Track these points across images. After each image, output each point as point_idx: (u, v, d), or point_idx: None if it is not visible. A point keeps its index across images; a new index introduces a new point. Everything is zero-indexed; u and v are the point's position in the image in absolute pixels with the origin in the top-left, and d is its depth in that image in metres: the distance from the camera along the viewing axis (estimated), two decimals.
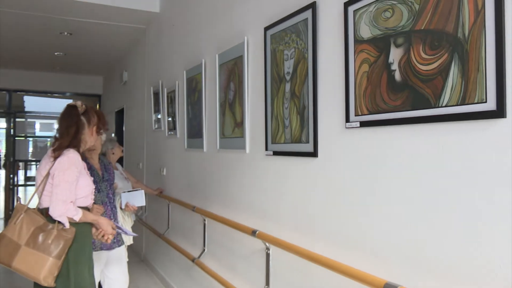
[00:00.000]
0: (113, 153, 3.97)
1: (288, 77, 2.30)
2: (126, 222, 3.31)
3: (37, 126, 13.90)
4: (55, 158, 2.31)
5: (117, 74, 7.35)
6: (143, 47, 5.62)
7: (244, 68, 2.75)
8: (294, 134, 2.25)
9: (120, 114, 7.18)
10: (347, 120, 1.87)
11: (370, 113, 1.74)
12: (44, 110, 10.40)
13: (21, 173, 14.30)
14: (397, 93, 1.61)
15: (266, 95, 2.50)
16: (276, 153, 2.42)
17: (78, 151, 2.39)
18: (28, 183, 13.01)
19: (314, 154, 2.08)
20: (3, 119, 8.94)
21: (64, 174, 2.27)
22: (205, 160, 3.46)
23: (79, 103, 2.49)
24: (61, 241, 2.21)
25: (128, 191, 3.26)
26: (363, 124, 1.78)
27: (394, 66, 1.62)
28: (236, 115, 2.89)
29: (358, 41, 1.80)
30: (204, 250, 3.39)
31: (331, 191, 1.98)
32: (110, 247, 2.95)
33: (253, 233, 2.50)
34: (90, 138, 2.53)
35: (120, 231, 2.75)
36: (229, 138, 3.01)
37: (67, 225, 2.26)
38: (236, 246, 2.88)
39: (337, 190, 1.94)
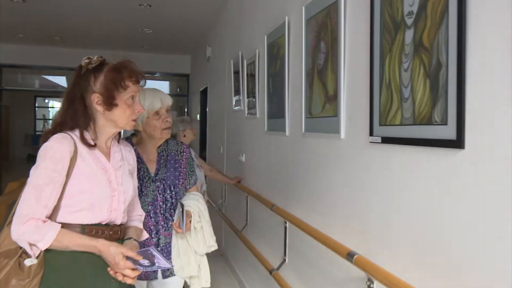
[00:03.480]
0: (185, 136, 3.46)
1: (410, 20, 1.45)
2: (197, 238, 2.06)
3: None
4: (42, 145, 1.49)
5: (202, 50, 6.87)
6: (225, 17, 4.99)
7: (340, 17, 1.93)
8: (419, 110, 1.40)
9: (204, 93, 6.71)
10: None
11: None
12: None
13: None
14: None
15: (372, 52, 1.67)
16: (386, 139, 1.59)
17: (82, 135, 1.48)
18: None
19: (457, 143, 1.22)
20: None
21: (33, 173, 1.42)
22: (287, 146, 2.70)
23: (85, 58, 1.51)
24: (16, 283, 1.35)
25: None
26: None
27: None
28: (327, 86, 2.09)
29: None
30: (284, 260, 2.67)
31: (489, 206, 1.12)
32: (147, 277, 2.01)
33: (349, 256, 1.70)
34: (121, 114, 1.51)
35: (147, 268, 1.49)
36: (317, 118, 2.22)
37: (33, 255, 1.40)
38: (325, 264, 2.11)
39: (501, 209, 1.07)
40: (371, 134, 1.68)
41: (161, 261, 1.47)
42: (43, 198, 1.39)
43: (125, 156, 1.67)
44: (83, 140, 1.49)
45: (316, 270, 2.22)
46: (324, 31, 2.11)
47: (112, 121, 1.52)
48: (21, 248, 1.40)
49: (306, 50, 2.35)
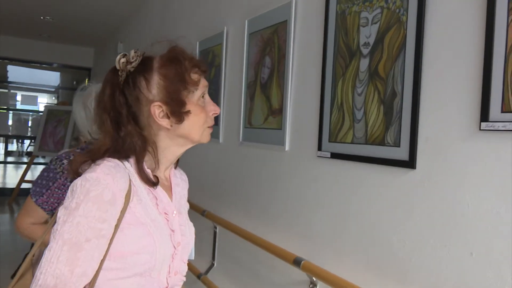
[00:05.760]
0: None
1: (366, 50, 1.60)
2: None
3: (19, 98, 12.89)
4: (73, 177, 0.99)
5: (110, 46, 6.53)
6: (145, 14, 4.84)
7: (290, 37, 2.03)
8: (371, 131, 1.56)
9: None
10: (484, 118, 1.18)
11: None
12: (28, 81, 9.50)
13: (1, 147, 13.41)
14: None
15: (324, 75, 1.80)
16: (336, 155, 1.73)
17: (141, 168, 1.00)
18: (9, 159, 12.11)
19: (410, 164, 1.40)
20: None
21: (65, 220, 0.90)
22: (222, 154, 2.74)
23: (120, 56, 1.02)
24: None
25: None
26: None
27: None
28: (271, 100, 2.18)
29: None
30: (213, 264, 2.70)
31: (438, 223, 1.30)
32: None
33: (296, 262, 1.81)
34: (195, 123, 1.05)
35: None
36: (258, 129, 2.30)
37: None
38: (267, 271, 2.19)
39: (450, 222, 1.26)
40: (319, 149, 1.81)
41: None
42: (81, 263, 0.88)
43: (183, 188, 1.21)
44: (142, 174, 1.00)
45: (256, 276, 2.29)
46: (271, 47, 2.20)
47: (181, 137, 1.04)
48: None
49: (248, 63, 2.42)
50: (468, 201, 1.22)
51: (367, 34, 1.59)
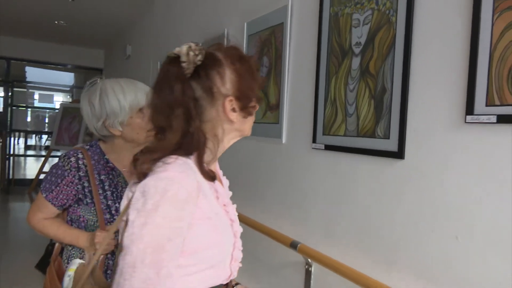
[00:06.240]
0: None
1: (357, 50, 1.57)
2: None
3: (36, 96, 12.82)
4: (139, 177, 0.88)
5: (119, 48, 6.46)
6: (150, 18, 4.78)
7: (286, 39, 2.00)
8: (363, 125, 1.53)
9: None
10: (469, 112, 1.16)
11: None
12: (45, 81, 9.42)
13: (21, 141, 13.34)
14: None
15: (318, 73, 1.77)
16: (329, 147, 1.71)
17: (201, 163, 0.90)
18: (28, 152, 12.04)
19: (398, 154, 1.38)
20: (1, 88, 8.00)
21: (145, 223, 0.80)
22: None
23: (186, 48, 0.88)
24: None
25: None
26: (504, 119, 1.08)
27: None
28: (269, 96, 2.15)
29: None
30: None
31: (426, 209, 1.28)
32: None
33: (293, 245, 1.79)
34: (252, 119, 1.00)
35: None
36: (257, 123, 2.27)
37: None
38: (265, 253, 2.18)
39: (437, 209, 1.24)
40: (314, 141, 1.79)
41: None
42: (166, 264, 0.80)
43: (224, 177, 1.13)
44: (203, 169, 0.90)
45: (257, 259, 2.28)
46: (268, 48, 2.17)
47: (238, 130, 0.97)
48: None
49: None
50: (454, 189, 1.20)
51: (359, 35, 1.56)
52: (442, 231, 1.23)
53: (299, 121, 1.92)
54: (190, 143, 0.88)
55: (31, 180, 7.35)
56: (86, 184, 1.32)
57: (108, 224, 1.31)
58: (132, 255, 0.78)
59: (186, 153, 0.88)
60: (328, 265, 1.60)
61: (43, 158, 7.45)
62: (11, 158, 7.73)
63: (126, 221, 0.83)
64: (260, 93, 1.02)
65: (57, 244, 1.39)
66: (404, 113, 1.35)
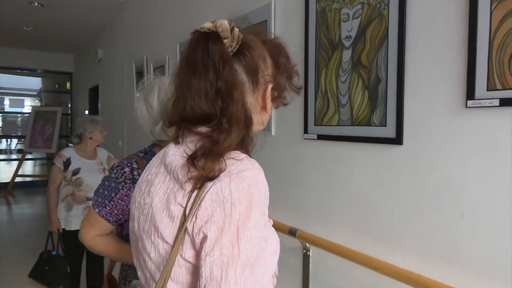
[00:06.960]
0: (91, 138, 2.57)
1: (348, 43, 1.45)
2: None
3: (6, 102, 11.68)
4: (201, 181, 0.60)
5: (90, 51, 5.98)
6: (122, 22, 4.41)
7: (270, 35, 1.84)
8: (357, 114, 1.42)
9: (94, 91, 5.87)
10: (470, 97, 1.08)
11: None
12: (15, 86, 8.58)
13: None
14: None
15: (307, 67, 1.64)
16: (322, 137, 1.59)
17: (250, 151, 0.68)
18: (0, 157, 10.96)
19: (397, 141, 1.28)
20: None
21: (239, 236, 0.57)
22: None
23: (228, 22, 0.66)
24: None
25: None
26: (507, 102, 1.01)
27: None
28: None
29: None
30: None
31: (427, 190, 1.20)
32: None
33: (291, 232, 1.66)
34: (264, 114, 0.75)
35: None
36: None
37: None
38: None
39: (440, 189, 1.16)
40: (305, 132, 1.66)
41: None
42: (261, 277, 0.59)
43: None
44: None
45: None
46: None
47: (263, 123, 0.77)
48: None
49: None
50: (457, 170, 1.12)
51: (349, 28, 1.44)
52: (446, 210, 1.15)
53: (288, 114, 1.78)
54: (249, 135, 0.67)
55: (6, 183, 6.70)
56: None
57: None
58: (229, 281, 0.55)
59: (243, 145, 0.66)
60: (327, 248, 1.49)
61: (15, 162, 6.80)
62: None
63: (201, 239, 0.59)
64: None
65: (109, 261, 1.13)
66: (401, 101, 1.25)
